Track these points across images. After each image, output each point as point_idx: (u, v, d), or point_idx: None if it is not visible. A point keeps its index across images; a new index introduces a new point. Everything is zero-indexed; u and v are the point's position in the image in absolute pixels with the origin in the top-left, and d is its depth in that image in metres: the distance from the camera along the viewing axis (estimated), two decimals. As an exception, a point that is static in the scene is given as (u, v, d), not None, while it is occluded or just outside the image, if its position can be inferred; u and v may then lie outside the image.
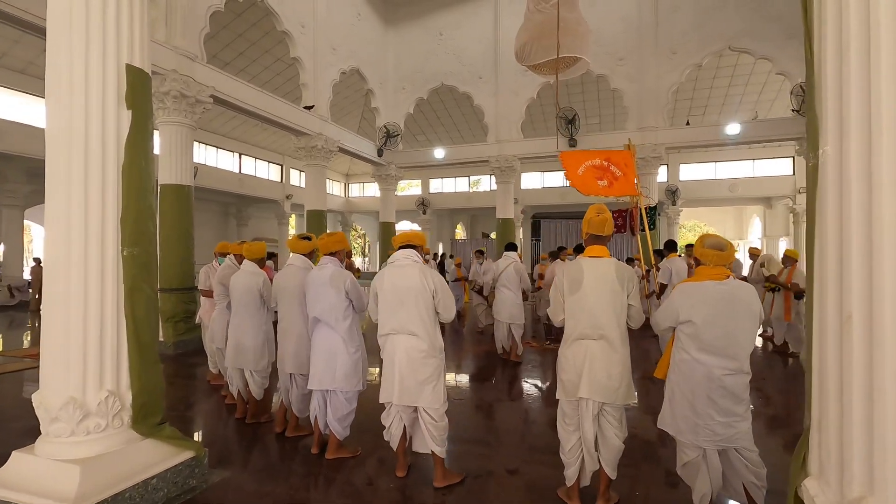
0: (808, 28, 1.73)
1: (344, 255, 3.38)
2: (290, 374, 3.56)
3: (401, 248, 3.00)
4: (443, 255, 10.12)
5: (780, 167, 18.53)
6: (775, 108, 15.57)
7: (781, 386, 5.33)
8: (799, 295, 6.37)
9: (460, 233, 28.80)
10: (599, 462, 2.62)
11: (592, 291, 2.55)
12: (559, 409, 2.73)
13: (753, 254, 8.28)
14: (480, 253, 9.16)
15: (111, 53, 2.53)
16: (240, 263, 4.18)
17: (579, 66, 6.82)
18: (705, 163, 19.73)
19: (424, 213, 23.40)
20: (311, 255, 3.60)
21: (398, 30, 14.01)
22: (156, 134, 7.72)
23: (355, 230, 30.64)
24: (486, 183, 22.68)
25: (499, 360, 6.39)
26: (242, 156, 19.17)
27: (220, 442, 3.71)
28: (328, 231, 12.76)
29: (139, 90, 2.64)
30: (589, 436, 2.57)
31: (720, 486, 2.42)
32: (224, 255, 4.72)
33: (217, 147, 17.98)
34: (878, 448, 1.41)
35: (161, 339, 6.76)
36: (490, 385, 5.43)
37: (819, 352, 1.64)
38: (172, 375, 5.78)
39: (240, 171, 18.96)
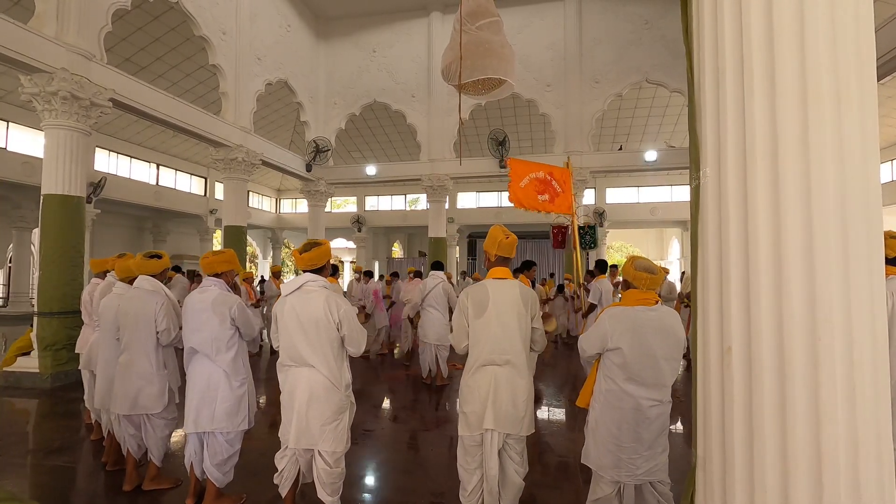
0: (688, 50, 1.69)
1: (232, 277, 2.98)
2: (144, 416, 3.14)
3: (305, 271, 2.69)
4: (394, 273, 9.59)
5: (694, 193, 19.93)
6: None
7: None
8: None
9: (397, 251, 28.46)
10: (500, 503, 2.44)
11: (498, 315, 2.39)
12: (460, 447, 2.50)
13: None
14: (368, 274, 8.80)
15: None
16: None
17: (504, 89, 6.86)
18: (629, 187, 20.84)
19: (360, 230, 22.88)
20: (163, 277, 3.20)
21: (330, 44, 13.73)
22: (40, 136, 6.91)
23: (287, 247, 29.48)
24: (424, 201, 22.60)
25: (423, 385, 6.12)
26: (161, 167, 17.87)
27: (77, 497, 3.17)
28: (247, 249, 12.08)
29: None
30: (493, 472, 2.38)
31: (627, 522, 2.32)
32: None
33: (131, 157, 16.64)
34: (758, 488, 1.32)
35: (37, 370, 5.94)
36: (414, 411, 5.15)
37: (703, 385, 1.55)
38: (45, 414, 5.04)
39: (157, 183, 17.63)
